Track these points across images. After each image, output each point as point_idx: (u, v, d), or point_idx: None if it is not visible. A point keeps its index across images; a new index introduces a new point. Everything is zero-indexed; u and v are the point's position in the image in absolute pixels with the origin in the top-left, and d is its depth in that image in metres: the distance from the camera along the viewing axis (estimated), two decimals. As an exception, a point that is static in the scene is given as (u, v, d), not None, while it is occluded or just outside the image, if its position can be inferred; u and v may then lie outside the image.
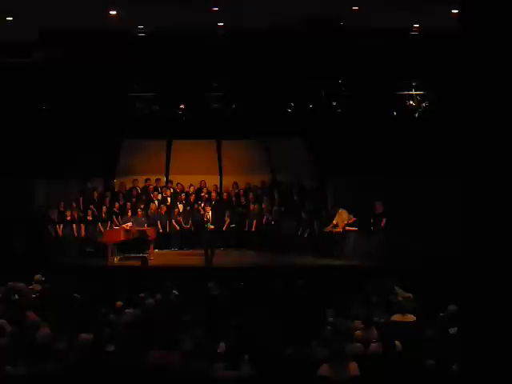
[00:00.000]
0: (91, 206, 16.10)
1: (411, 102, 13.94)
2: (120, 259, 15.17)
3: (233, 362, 6.33)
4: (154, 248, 15.82)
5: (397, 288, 10.25)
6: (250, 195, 17.04)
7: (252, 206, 16.68)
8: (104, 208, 15.97)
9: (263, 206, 16.53)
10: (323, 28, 12.54)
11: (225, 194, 17.26)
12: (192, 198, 17.06)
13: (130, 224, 15.46)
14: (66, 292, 10.05)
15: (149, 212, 16.20)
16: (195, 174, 17.73)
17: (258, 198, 16.96)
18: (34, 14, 11.80)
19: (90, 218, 15.70)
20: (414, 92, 14.01)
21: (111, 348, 6.98)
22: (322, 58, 13.69)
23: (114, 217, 16.00)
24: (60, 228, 15.22)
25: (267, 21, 12.35)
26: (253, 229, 16.54)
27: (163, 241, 16.31)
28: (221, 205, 16.55)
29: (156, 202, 16.80)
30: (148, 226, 15.69)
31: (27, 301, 9.53)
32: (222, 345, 7.04)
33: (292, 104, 14.33)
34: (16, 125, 15.01)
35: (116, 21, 12.32)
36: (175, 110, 14.56)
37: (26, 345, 6.87)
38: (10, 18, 12.11)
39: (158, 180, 17.55)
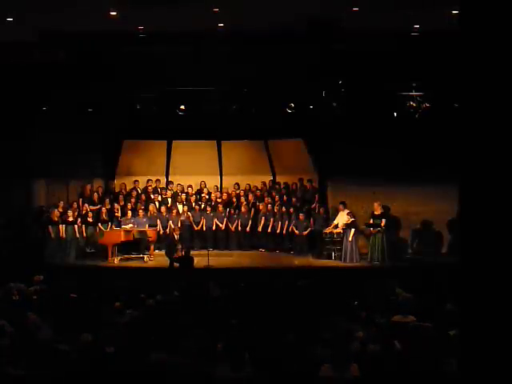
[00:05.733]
0: (91, 207, 16.11)
1: (411, 103, 13.94)
2: (120, 260, 15.19)
3: (233, 363, 6.33)
4: (155, 249, 15.85)
5: (397, 289, 10.26)
6: (250, 196, 17.05)
7: (248, 208, 16.69)
8: (104, 209, 15.96)
9: (262, 206, 16.51)
10: (323, 29, 12.54)
11: (225, 194, 17.26)
12: (192, 199, 17.06)
13: (130, 225, 15.50)
14: (67, 293, 10.05)
15: (148, 213, 16.19)
16: (195, 174, 17.74)
17: (258, 199, 16.97)
18: (34, 15, 11.80)
19: (90, 218, 15.71)
20: (414, 93, 14.01)
21: (111, 349, 6.98)
22: (322, 58, 13.69)
23: (114, 217, 16.02)
24: (60, 228, 15.21)
25: (267, 21, 12.35)
26: (250, 229, 16.58)
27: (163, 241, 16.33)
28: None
29: (156, 202, 16.81)
30: (148, 227, 15.71)
31: (28, 301, 9.53)
32: (222, 345, 7.04)
33: (292, 105, 14.32)
34: (16, 125, 15.01)
35: (116, 21, 12.31)
36: (175, 110, 14.55)
37: (26, 346, 6.87)
38: (10, 19, 12.10)
39: (158, 181, 17.56)
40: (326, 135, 16.00)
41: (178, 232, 15.15)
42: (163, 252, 15.83)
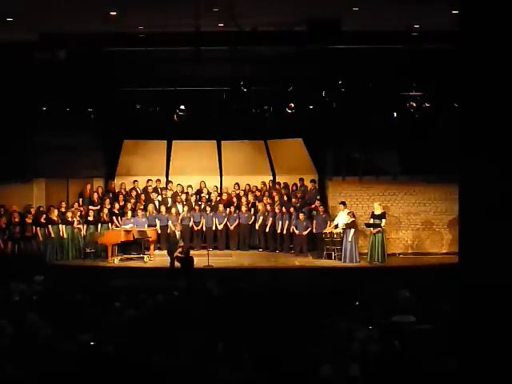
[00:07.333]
0: (92, 207, 16.11)
1: (411, 103, 13.93)
2: (120, 260, 15.20)
3: (233, 363, 6.33)
4: (155, 249, 15.85)
5: (398, 289, 10.25)
6: (250, 196, 17.04)
7: (248, 207, 16.68)
8: (104, 209, 15.96)
9: (262, 206, 16.50)
10: (323, 29, 12.54)
11: (225, 194, 17.25)
12: (192, 199, 17.05)
13: (130, 225, 15.51)
14: (67, 293, 10.06)
15: (147, 213, 16.19)
16: (195, 174, 17.74)
17: (258, 199, 16.95)
18: (34, 15, 11.79)
19: (90, 218, 15.71)
20: (414, 93, 14.01)
21: (111, 349, 6.98)
22: (323, 58, 13.69)
23: (114, 217, 16.03)
24: (60, 228, 15.20)
25: (267, 21, 12.34)
26: (250, 229, 16.58)
27: (163, 241, 16.36)
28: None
29: (156, 202, 16.80)
30: (148, 227, 15.72)
31: (28, 301, 9.53)
32: (223, 345, 7.04)
33: (292, 105, 14.31)
34: (16, 125, 15.03)
35: (116, 21, 12.30)
36: (175, 110, 14.55)
37: (26, 346, 6.87)
38: (10, 19, 12.09)
39: (158, 181, 17.55)
40: (326, 135, 16.01)
41: (179, 229, 15.17)
42: (163, 252, 15.84)
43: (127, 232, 15.27)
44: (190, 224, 16.43)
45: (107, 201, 16.32)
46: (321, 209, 15.84)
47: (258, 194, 17.22)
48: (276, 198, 16.64)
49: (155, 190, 17.26)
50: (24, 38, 13.17)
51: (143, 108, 14.58)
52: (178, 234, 14.98)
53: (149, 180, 17.42)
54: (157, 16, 11.93)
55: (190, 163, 17.79)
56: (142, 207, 16.35)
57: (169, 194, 17.10)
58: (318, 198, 16.43)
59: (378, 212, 15.06)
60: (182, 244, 14.47)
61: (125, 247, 15.64)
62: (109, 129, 16.60)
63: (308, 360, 6.62)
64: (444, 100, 13.59)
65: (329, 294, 10.09)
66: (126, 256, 15.48)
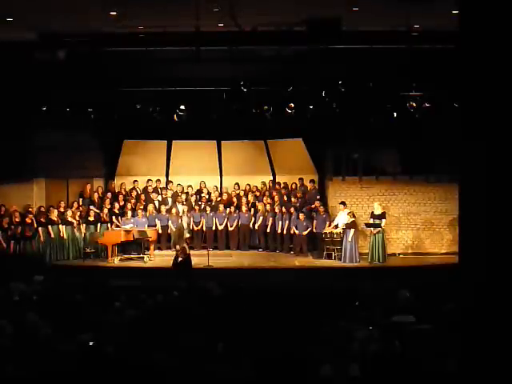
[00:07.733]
0: (92, 207, 16.11)
1: (411, 103, 13.93)
2: (120, 260, 15.20)
3: (233, 363, 6.33)
4: (155, 249, 15.85)
5: (398, 289, 10.25)
6: (250, 196, 17.04)
7: (248, 207, 16.67)
8: (104, 209, 15.96)
9: (262, 206, 16.50)
10: (323, 29, 12.53)
11: (225, 194, 17.25)
12: (192, 199, 17.05)
13: (130, 225, 15.51)
14: (67, 293, 10.05)
15: (147, 213, 16.19)
16: (195, 174, 17.75)
17: (258, 199, 16.95)
18: (34, 15, 11.79)
19: (90, 218, 15.71)
20: (414, 93, 14.01)
21: (111, 349, 6.98)
22: (323, 58, 13.69)
23: (114, 217, 16.03)
24: (60, 228, 15.20)
25: (267, 21, 12.34)
26: (250, 230, 16.58)
27: (163, 241, 16.36)
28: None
29: (157, 202, 16.81)
30: (148, 227, 15.72)
31: (28, 301, 9.53)
32: (223, 345, 7.04)
33: (292, 105, 14.31)
34: (16, 125, 15.03)
35: (116, 21, 12.29)
36: (175, 110, 14.55)
37: (26, 346, 6.87)
38: (10, 19, 12.09)
39: (158, 181, 17.56)
40: (326, 135, 16.01)
41: (187, 221, 15.27)
42: (163, 252, 15.87)
43: (127, 232, 15.28)
44: (191, 224, 16.43)
45: (107, 201, 16.32)
46: (321, 209, 15.83)
47: (257, 194, 17.22)
48: (276, 198, 16.64)
49: (155, 190, 17.26)
50: (24, 38, 13.17)
51: (143, 108, 14.57)
52: (185, 224, 15.01)
53: (149, 180, 17.43)
54: (157, 16, 11.93)
55: (190, 163, 17.79)
56: (141, 207, 16.35)
57: (169, 193, 17.11)
58: (318, 197, 16.43)
59: (377, 212, 15.06)
60: (188, 235, 14.55)
61: (125, 247, 15.66)
62: (109, 129, 16.60)
63: (308, 360, 6.62)
64: (444, 100, 13.59)
65: (329, 293, 10.09)
66: (125, 256, 15.49)
